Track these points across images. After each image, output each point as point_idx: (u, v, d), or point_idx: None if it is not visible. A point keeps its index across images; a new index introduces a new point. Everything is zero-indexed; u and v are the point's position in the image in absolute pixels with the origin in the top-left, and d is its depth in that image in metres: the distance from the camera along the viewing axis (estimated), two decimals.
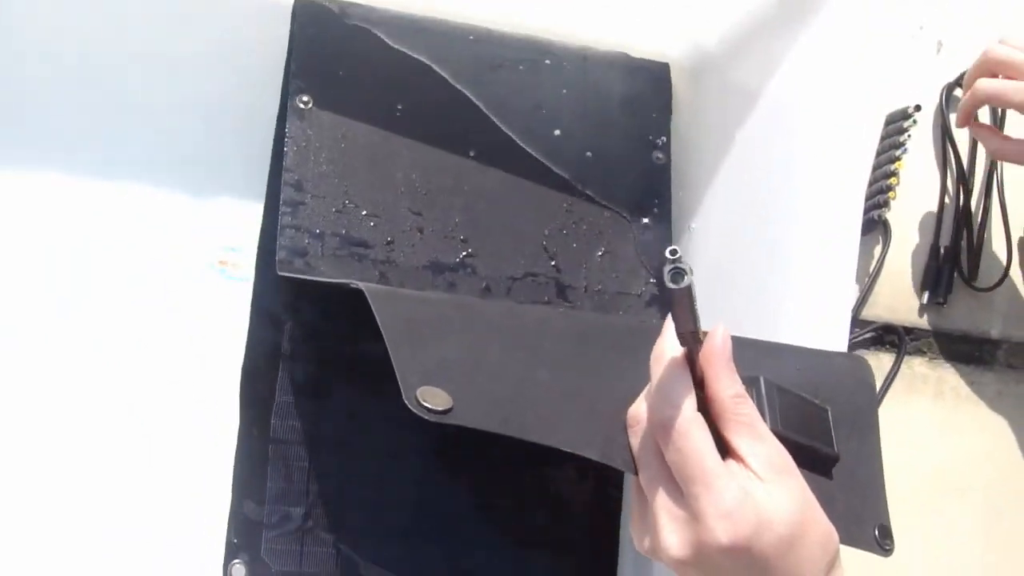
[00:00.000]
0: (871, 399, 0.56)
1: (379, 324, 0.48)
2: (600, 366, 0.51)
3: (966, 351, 0.79)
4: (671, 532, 0.45)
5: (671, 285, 0.39)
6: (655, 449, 0.46)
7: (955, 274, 0.78)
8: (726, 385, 0.46)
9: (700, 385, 0.45)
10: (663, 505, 0.45)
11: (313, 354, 0.61)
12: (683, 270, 0.39)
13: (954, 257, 0.78)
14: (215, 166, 0.63)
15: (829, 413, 0.52)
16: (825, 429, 0.51)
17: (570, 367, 0.51)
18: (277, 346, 0.60)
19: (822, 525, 0.46)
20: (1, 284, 0.59)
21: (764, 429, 0.46)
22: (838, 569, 0.47)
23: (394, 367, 0.45)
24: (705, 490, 0.44)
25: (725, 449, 0.45)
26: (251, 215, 0.62)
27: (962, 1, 0.82)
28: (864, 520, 0.51)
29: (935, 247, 0.78)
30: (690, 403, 0.45)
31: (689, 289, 0.39)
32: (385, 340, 0.47)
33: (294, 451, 0.60)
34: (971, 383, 0.79)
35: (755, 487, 0.44)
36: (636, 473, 0.47)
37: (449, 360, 0.47)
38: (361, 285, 0.52)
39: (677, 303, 0.41)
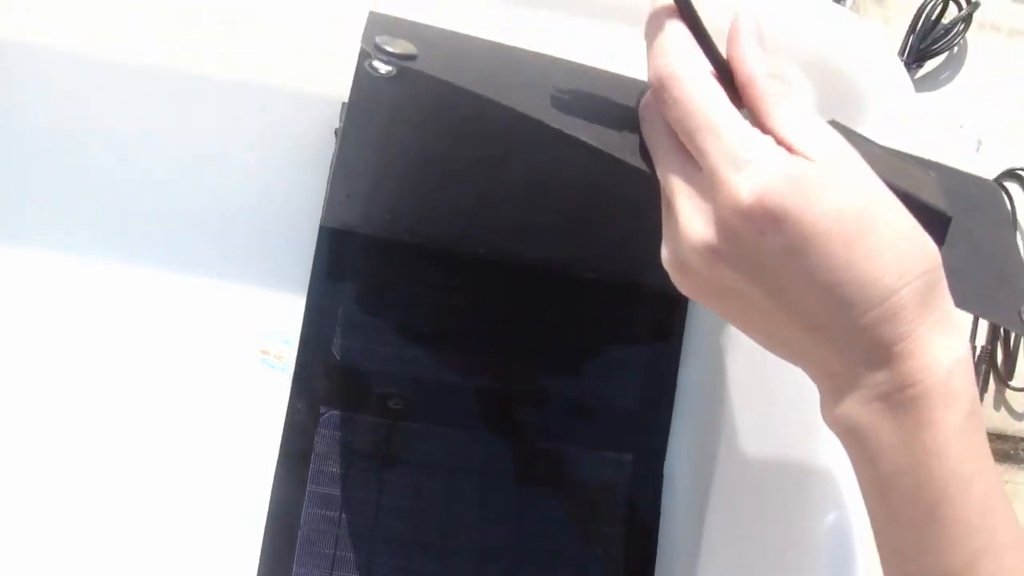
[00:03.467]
0: (1005, 217, 0.46)
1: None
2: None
3: (1001, 450, 0.79)
4: (691, 214, 0.35)
5: None
6: (661, 122, 0.36)
7: (991, 374, 0.80)
8: (756, 63, 0.35)
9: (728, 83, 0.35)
10: (677, 184, 0.35)
11: (346, 447, 0.62)
12: None
13: (990, 357, 0.79)
14: (259, 255, 0.65)
15: (934, 177, 0.40)
16: (930, 188, 0.39)
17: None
18: (311, 437, 0.61)
19: (909, 221, 0.34)
20: (41, 365, 0.62)
21: (816, 116, 0.35)
22: (939, 290, 0.34)
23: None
24: (715, 138, 0.34)
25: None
26: (295, 305, 0.64)
27: (1002, 100, 0.82)
28: (997, 294, 0.41)
29: (971, 347, 0.78)
30: (687, 45, 0.35)
31: None
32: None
33: (322, 540, 0.60)
34: (1006, 482, 0.79)
35: (798, 160, 0.33)
36: (645, 162, 0.37)
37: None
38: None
39: None
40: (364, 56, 0.43)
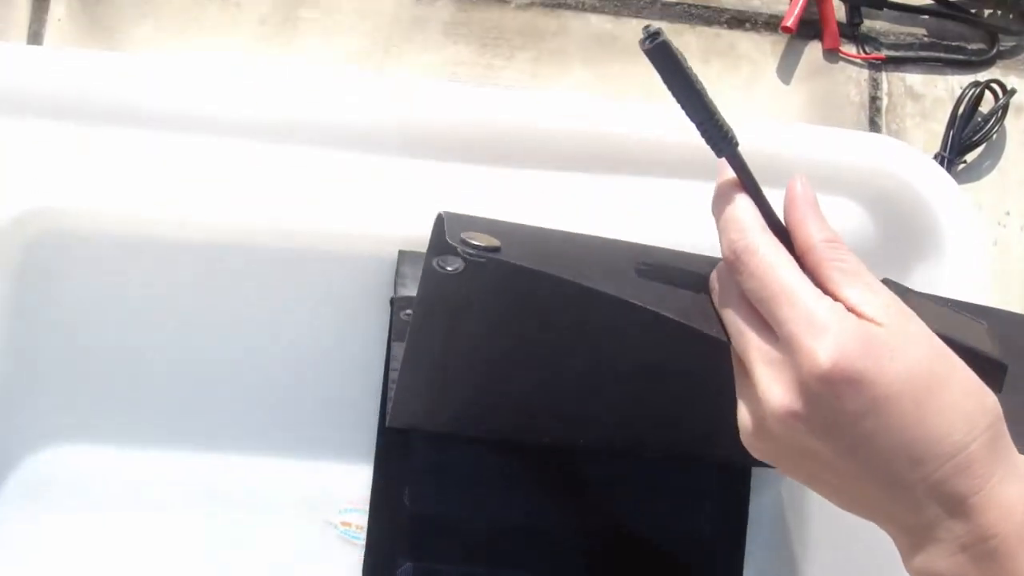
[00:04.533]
0: None
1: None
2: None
3: None
4: (770, 381, 0.36)
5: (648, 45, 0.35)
6: (735, 290, 0.38)
7: None
8: (815, 229, 0.37)
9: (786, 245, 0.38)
10: (756, 352, 0.37)
11: None
12: (656, 32, 0.35)
13: None
14: (323, 424, 0.65)
15: (986, 327, 0.42)
16: (982, 338, 0.41)
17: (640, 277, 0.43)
18: None
19: (970, 377, 0.36)
20: (122, 548, 0.62)
21: (873, 279, 0.37)
22: (1004, 440, 0.35)
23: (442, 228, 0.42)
24: (790, 307, 0.35)
25: None
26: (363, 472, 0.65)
27: None
28: None
29: None
30: (756, 218, 0.37)
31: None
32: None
33: None
34: None
35: (867, 325, 0.35)
36: (723, 333, 0.39)
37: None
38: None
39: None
40: (433, 254, 0.44)
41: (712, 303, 0.40)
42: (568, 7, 0.80)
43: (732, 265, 0.38)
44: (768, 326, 0.37)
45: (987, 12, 0.84)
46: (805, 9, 0.80)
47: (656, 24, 0.36)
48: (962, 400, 0.35)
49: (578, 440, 0.63)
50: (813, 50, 0.82)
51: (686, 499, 0.67)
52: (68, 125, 0.62)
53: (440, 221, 0.43)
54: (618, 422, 0.61)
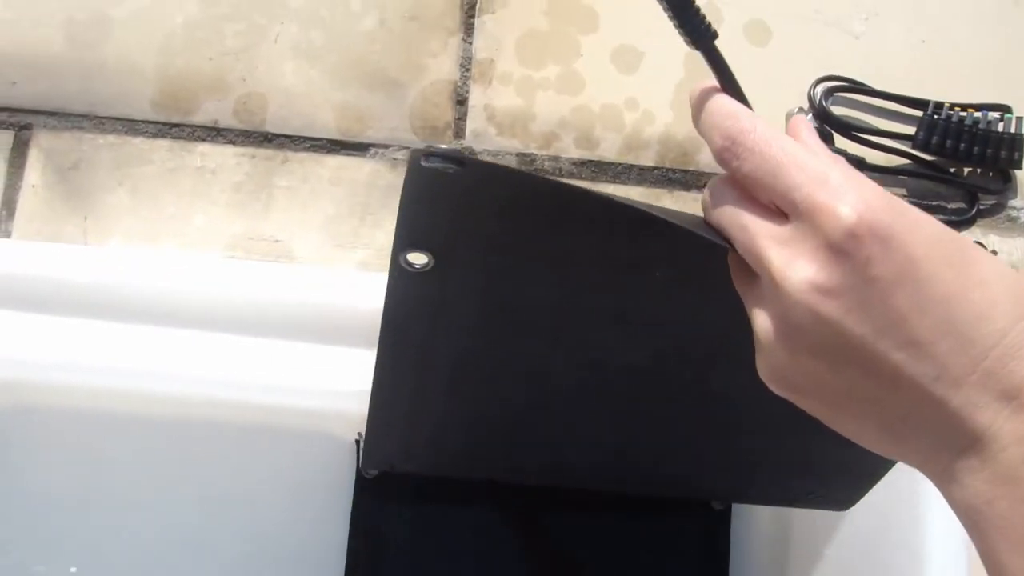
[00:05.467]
0: None
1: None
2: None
3: None
4: (788, 259, 0.32)
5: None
6: (732, 190, 0.35)
7: None
8: (814, 141, 0.36)
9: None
10: (765, 238, 0.33)
11: None
12: None
13: None
14: None
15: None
16: None
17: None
18: None
19: (999, 262, 0.31)
20: None
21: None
22: None
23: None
24: (800, 169, 0.32)
25: None
26: None
27: None
28: None
29: None
30: (743, 107, 0.35)
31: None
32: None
33: None
34: None
35: (876, 186, 0.32)
36: (716, 234, 0.36)
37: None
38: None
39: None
40: (400, 247, 0.43)
41: (708, 224, 0.37)
42: (545, 172, 0.80)
43: (729, 152, 0.35)
44: (773, 211, 0.33)
45: (967, 171, 0.84)
46: None
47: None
48: (1000, 275, 0.30)
49: (562, 474, 0.59)
50: None
51: (667, 547, 0.67)
52: (33, 314, 0.61)
53: (415, 158, 0.39)
54: (604, 442, 0.56)
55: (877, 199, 0.31)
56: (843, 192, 0.31)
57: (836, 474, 0.55)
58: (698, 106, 0.37)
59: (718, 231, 0.36)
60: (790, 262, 0.32)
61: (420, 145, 0.80)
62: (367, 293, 0.61)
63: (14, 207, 0.77)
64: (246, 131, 0.79)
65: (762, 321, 0.33)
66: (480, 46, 0.82)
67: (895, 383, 0.31)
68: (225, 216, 0.77)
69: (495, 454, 0.59)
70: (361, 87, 0.80)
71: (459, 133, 0.80)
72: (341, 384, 0.62)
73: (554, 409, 0.53)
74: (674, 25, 0.38)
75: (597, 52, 0.83)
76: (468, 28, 0.82)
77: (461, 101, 0.80)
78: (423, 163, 0.38)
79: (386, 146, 0.79)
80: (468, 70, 0.81)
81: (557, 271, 0.45)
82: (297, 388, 0.64)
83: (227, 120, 0.79)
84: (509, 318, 0.47)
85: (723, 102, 0.36)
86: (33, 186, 0.77)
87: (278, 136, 0.79)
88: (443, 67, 0.81)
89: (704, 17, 0.38)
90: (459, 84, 0.81)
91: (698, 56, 0.41)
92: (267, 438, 0.68)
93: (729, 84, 0.38)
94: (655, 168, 0.82)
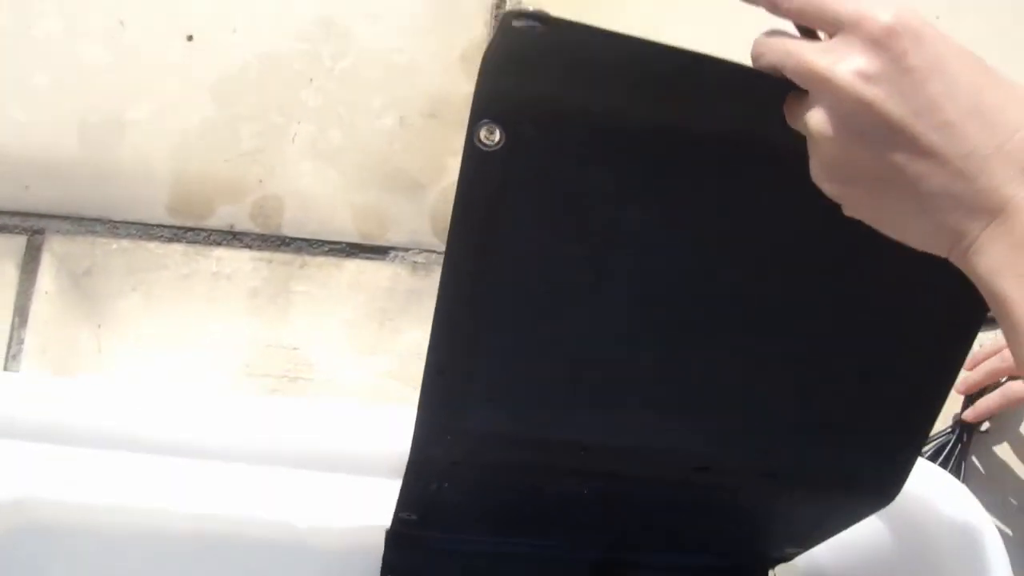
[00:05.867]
0: None
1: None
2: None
3: None
4: (836, 59, 0.37)
5: None
6: (778, 34, 0.39)
7: None
8: None
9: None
10: (813, 53, 0.37)
11: None
12: None
13: None
14: None
15: None
16: None
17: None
18: None
19: (1017, 84, 0.38)
20: None
21: None
22: None
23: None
24: None
25: None
26: None
27: None
28: None
29: None
30: None
31: None
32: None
33: None
34: None
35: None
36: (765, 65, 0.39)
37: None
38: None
39: None
40: (476, 118, 0.41)
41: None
42: None
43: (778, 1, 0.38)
44: (817, 36, 0.38)
45: None
46: None
47: None
48: (1017, 83, 0.36)
49: (622, 435, 0.52)
50: None
51: None
52: (43, 445, 0.60)
53: (506, 21, 0.38)
54: (668, 398, 0.50)
55: (911, 10, 0.36)
56: (881, 4, 0.36)
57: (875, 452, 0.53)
58: None
59: (770, 69, 0.39)
60: (837, 60, 0.36)
61: (440, 249, 0.78)
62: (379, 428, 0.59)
63: (27, 314, 0.75)
64: (263, 235, 0.77)
65: (814, 120, 0.37)
66: None
67: (932, 160, 0.36)
68: (242, 323, 0.75)
69: (555, 402, 0.51)
70: (380, 188, 0.78)
71: None
72: (361, 516, 0.60)
73: (621, 348, 0.48)
74: None
75: None
76: None
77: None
78: (514, 23, 0.38)
79: (406, 249, 0.78)
80: None
81: (643, 166, 0.43)
82: (313, 518, 0.62)
83: (243, 224, 0.77)
84: (582, 218, 0.45)
85: None
86: (46, 292, 0.75)
87: (295, 240, 0.77)
88: None
89: None
90: None
91: None
92: (281, 563, 0.66)
93: None
94: None
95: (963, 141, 0.36)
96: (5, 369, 0.73)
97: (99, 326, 0.75)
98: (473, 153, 0.42)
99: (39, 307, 0.75)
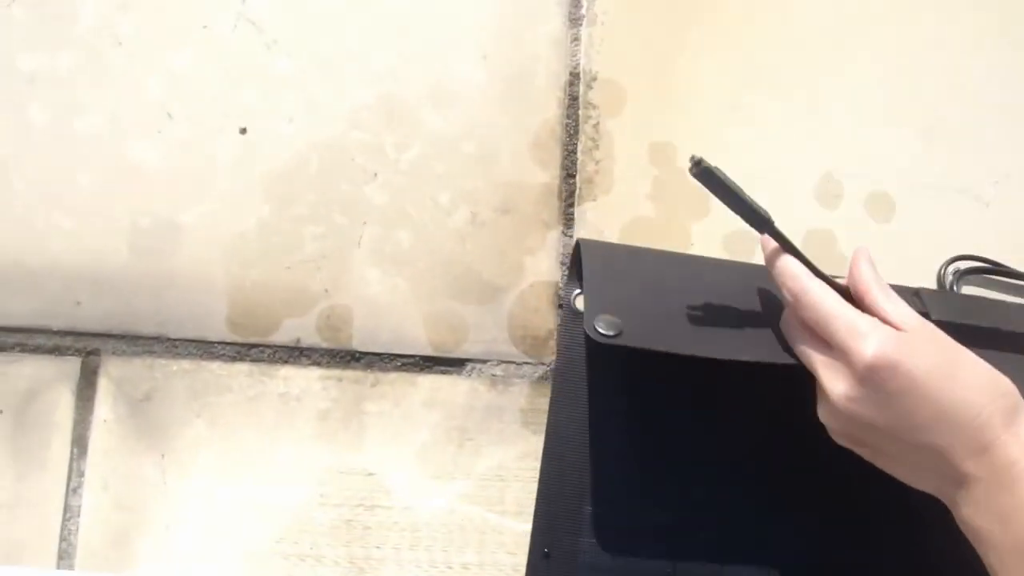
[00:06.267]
0: None
1: (583, 267, 0.59)
2: (758, 298, 0.59)
3: None
4: (832, 380, 0.51)
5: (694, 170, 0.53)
6: (799, 324, 0.54)
7: None
8: (871, 275, 0.55)
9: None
10: (818, 361, 0.52)
11: None
12: (700, 160, 0.52)
13: None
14: None
15: (1007, 306, 0.62)
16: (1003, 318, 0.61)
17: (733, 300, 0.59)
18: None
19: (983, 366, 0.50)
20: None
21: (894, 295, 0.54)
22: (1022, 408, 0.49)
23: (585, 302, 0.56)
24: (838, 322, 0.51)
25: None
26: None
27: None
28: None
29: None
30: (804, 270, 0.54)
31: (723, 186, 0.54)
32: (583, 279, 0.58)
33: None
34: None
35: (898, 332, 0.50)
36: (794, 355, 0.55)
37: (629, 296, 0.57)
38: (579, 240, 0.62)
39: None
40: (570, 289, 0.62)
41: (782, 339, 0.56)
42: None
43: (795, 304, 0.54)
44: (825, 343, 0.52)
45: None
46: None
47: (697, 154, 0.53)
48: (978, 379, 0.49)
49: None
50: None
51: None
52: None
53: (576, 249, 0.60)
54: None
55: (889, 340, 0.49)
56: (865, 338, 0.49)
57: None
58: (770, 261, 0.56)
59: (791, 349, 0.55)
60: (833, 381, 0.51)
61: (519, 359, 0.73)
62: None
63: (86, 444, 0.71)
64: (331, 350, 0.72)
65: (820, 408, 0.54)
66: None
67: (911, 447, 0.49)
68: (313, 448, 0.71)
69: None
70: (453, 294, 0.73)
71: None
72: None
73: (713, 515, 0.61)
74: (745, 221, 0.56)
75: (709, 239, 0.75)
76: (567, 219, 0.75)
77: (563, 304, 0.73)
78: (598, 330, 0.56)
79: (484, 361, 0.73)
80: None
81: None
82: None
83: (310, 338, 0.72)
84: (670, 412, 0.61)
85: (788, 266, 0.55)
86: (105, 421, 0.71)
87: (366, 354, 0.72)
88: (541, 265, 0.74)
89: (764, 212, 0.55)
90: (560, 285, 0.74)
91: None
92: None
93: (792, 251, 0.56)
94: None
95: (932, 436, 0.49)
96: (67, 504, 0.69)
97: (163, 456, 0.70)
98: (587, 340, 0.58)
99: (98, 436, 0.70)
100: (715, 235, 0.75)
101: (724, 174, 0.54)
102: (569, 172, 0.75)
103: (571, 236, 0.75)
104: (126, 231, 0.73)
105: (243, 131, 0.75)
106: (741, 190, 0.54)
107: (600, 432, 0.58)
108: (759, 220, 0.55)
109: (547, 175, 0.75)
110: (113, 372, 0.71)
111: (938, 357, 0.49)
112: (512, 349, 0.73)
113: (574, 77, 0.77)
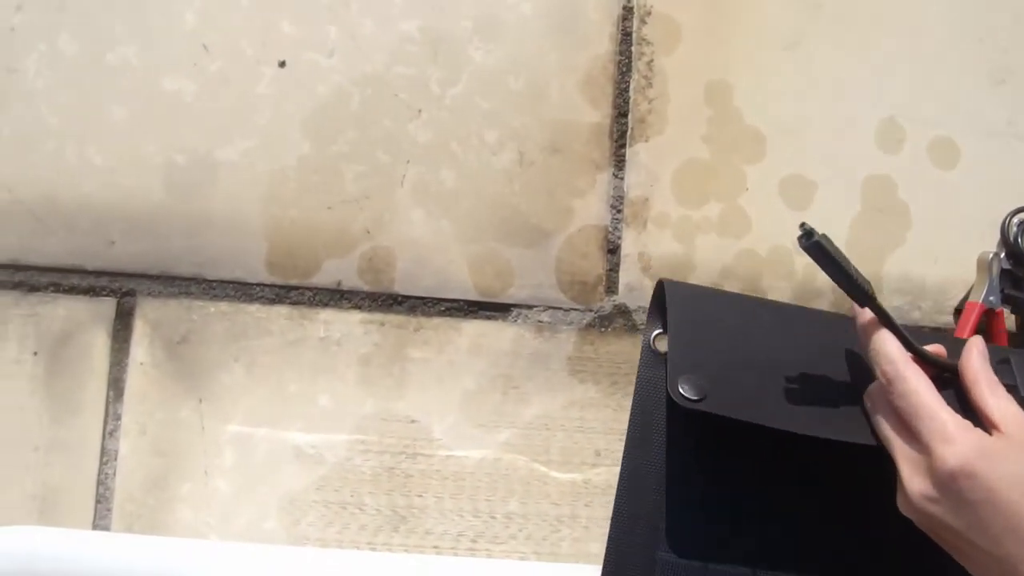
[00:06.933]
0: None
1: (668, 315, 0.57)
2: (842, 361, 0.58)
3: None
4: (911, 475, 0.50)
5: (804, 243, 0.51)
6: (887, 406, 0.53)
7: None
8: (979, 362, 0.54)
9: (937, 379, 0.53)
10: (901, 452, 0.51)
11: None
12: (811, 232, 0.51)
13: None
14: None
15: None
16: None
17: (816, 365, 0.57)
18: None
19: None
20: None
21: (1011, 398, 0.52)
22: None
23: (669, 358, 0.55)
24: (928, 421, 0.50)
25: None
26: None
27: None
28: None
29: None
30: (902, 354, 0.52)
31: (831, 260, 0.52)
32: (668, 330, 0.57)
33: None
34: None
35: (989, 438, 0.49)
36: (876, 439, 0.53)
37: (713, 355, 0.56)
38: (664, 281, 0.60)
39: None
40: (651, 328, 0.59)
41: (865, 412, 0.55)
42: None
43: (886, 388, 0.52)
44: (910, 433, 0.51)
45: None
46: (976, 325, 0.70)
47: (808, 223, 0.51)
48: None
49: None
50: None
51: None
52: None
53: (659, 287, 0.59)
54: None
55: (974, 450, 0.48)
56: (952, 443, 0.49)
57: None
58: (864, 335, 0.55)
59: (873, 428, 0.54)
60: (913, 476, 0.50)
61: (568, 306, 0.70)
62: None
63: (122, 387, 0.69)
64: (373, 293, 0.70)
65: (899, 496, 0.52)
66: (633, 182, 0.71)
67: (984, 552, 0.49)
68: (354, 395, 0.69)
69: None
70: (499, 237, 0.70)
71: (611, 288, 0.71)
72: None
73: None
74: (846, 293, 0.53)
75: (764, 184, 0.72)
76: (619, 161, 0.72)
77: (613, 250, 0.71)
78: (681, 393, 0.55)
79: (530, 307, 0.70)
80: (620, 211, 0.71)
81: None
82: None
83: (352, 280, 0.70)
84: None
85: (886, 346, 0.53)
86: (141, 364, 0.69)
87: (409, 298, 0.70)
88: (591, 209, 0.71)
89: (866, 285, 0.53)
90: (610, 229, 0.71)
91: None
92: None
93: (891, 326, 0.54)
94: None
95: (1004, 547, 0.48)
96: (104, 448, 0.68)
97: (200, 401, 0.68)
98: (669, 402, 0.57)
99: (134, 380, 0.68)
100: (771, 179, 0.72)
101: (834, 245, 0.51)
102: (621, 111, 0.72)
103: (622, 178, 0.72)
104: (161, 168, 0.70)
105: (282, 64, 0.71)
106: (848, 262, 0.52)
107: (675, 481, 0.58)
108: (862, 295, 0.53)
109: (598, 114, 0.72)
110: (149, 314, 0.69)
111: (1018, 474, 0.48)
112: (559, 295, 0.71)
113: (627, 11, 0.74)
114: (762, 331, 0.58)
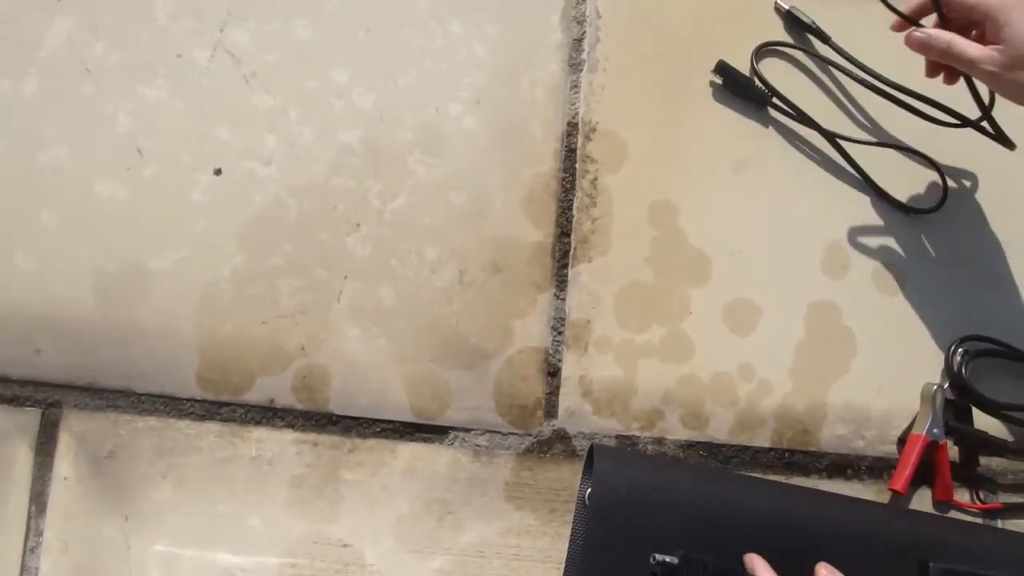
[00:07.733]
0: None
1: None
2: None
3: None
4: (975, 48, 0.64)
5: None
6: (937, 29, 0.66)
7: None
8: None
9: None
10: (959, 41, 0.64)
11: None
12: None
13: None
14: None
15: None
16: None
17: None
18: None
19: None
20: None
21: None
22: None
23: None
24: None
25: None
26: None
27: None
28: None
29: None
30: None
31: None
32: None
33: None
34: None
35: None
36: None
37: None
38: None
39: None
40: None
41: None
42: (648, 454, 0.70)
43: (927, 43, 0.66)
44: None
45: None
46: (916, 469, 0.70)
47: None
48: None
49: None
50: (922, 499, 0.72)
51: None
52: None
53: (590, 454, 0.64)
54: None
55: None
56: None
57: None
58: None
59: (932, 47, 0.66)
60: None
61: (506, 430, 0.69)
62: None
63: (44, 502, 0.67)
64: (307, 412, 0.68)
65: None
66: (575, 303, 0.71)
67: None
68: (285, 516, 0.67)
69: None
70: (437, 358, 0.69)
71: (551, 412, 0.70)
72: None
73: None
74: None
75: (709, 308, 0.72)
76: (561, 281, 0.71)
77: (553, 373, 0.70)
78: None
79: (467, 430, 0.69)
80: (561, 333, 0.70)
81: None
82: None
83: (285, 398, 0.68)
84: None
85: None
86: (65, 478, 0.67)
87: (343, 418, 0.69)
88: (531, 330, 0.70)
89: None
90: (550, 352, 0.70)
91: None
92: None
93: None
94: (771, 450, 0.72)
95: None
96: (24, 565, 0.66)
97: (126, 518, 0.67)
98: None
99: (58, 495, 0.67)
100: (716, 302, 0.72)
101: None
102: (564, 230, 0.71)
103: (563, 299, 0.71)
104: (91, 275, 0.68)
105: (218, 172, 0.70)
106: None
107: None
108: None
109: (540, 232, 0.70)
110: (75, 427, 0.68)
111: None
112: (498, 418, 0.70)
113: (572, 127, 0.72)
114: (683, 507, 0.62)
